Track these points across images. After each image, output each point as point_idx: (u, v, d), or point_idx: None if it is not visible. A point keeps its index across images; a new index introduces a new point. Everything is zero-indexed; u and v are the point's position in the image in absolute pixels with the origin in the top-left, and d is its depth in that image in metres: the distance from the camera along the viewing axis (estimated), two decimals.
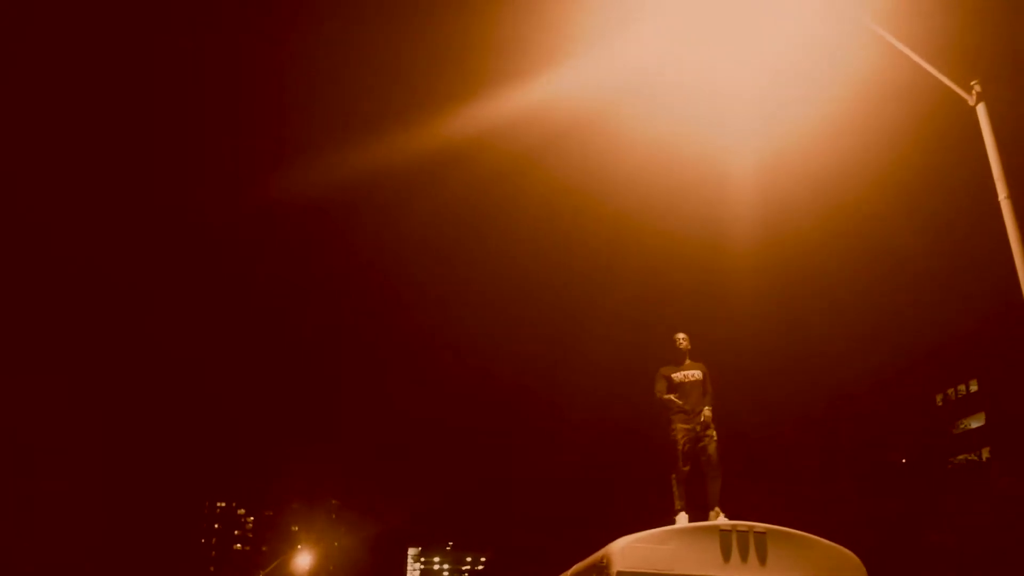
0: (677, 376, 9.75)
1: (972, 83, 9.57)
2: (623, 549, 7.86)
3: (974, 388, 47.61)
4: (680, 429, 9.55)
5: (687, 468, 9.48)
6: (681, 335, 9.97)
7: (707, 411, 9.58)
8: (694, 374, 9.76)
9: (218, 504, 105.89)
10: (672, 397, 9.66)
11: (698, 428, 9.47)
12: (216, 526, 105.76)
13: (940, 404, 48.04)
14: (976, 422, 42.87)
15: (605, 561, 8.08)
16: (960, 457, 35.02)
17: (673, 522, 9.04)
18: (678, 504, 9.32)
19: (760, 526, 8.20)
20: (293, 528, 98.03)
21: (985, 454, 37.82)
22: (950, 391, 48.67)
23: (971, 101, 9.52)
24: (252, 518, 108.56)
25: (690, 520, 9.02)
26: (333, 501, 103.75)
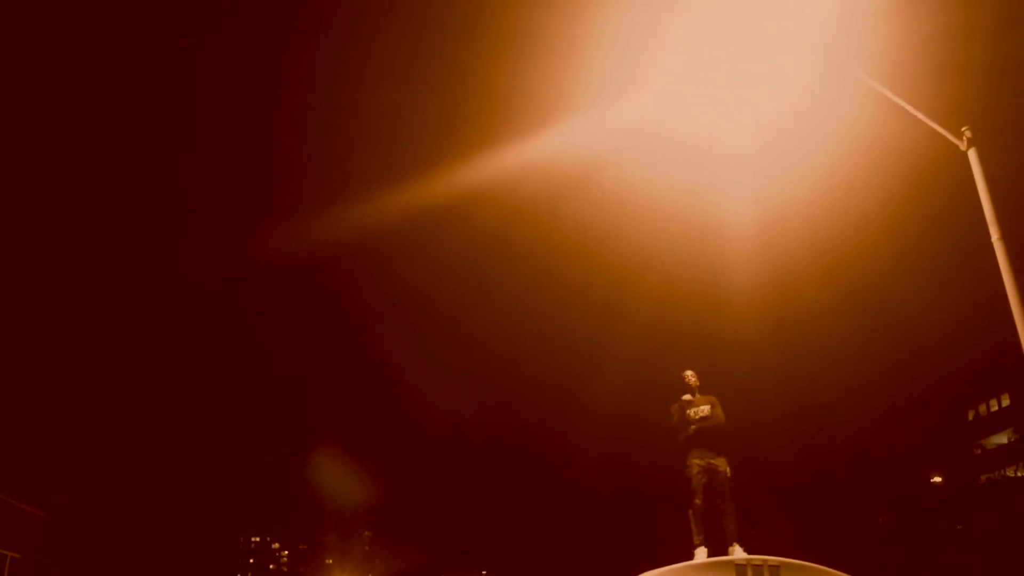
0: (688, 412, 10.21)
1: (963, 129, 10.08)
2: None
3: (1006, 403, 47.19)
4: (694, 464, 10.01)
5: (702, 503, 9.90)
6: (689, 372, 10.41)
7: (709, 409, 10.05)
8: (704, 409, 10.20)
9: (252, 539, 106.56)
10: (687, 413, 10.10)
11: (711, 462, 9.93)
12: (251, 561, 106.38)
13: (971, 419, 47.68)
14: (1004, 438, 42.56)
15: None
16: (984, 477, 34.85)
17: (692, 556, 9.49)
18: (696, 539, 9.76)
19: (774, 559, 8.63)
20: (327, 561, 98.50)
21: (1011, 472, 37.51)
22: (982, 407, 48.30)
23: (963, 146, 10.02)
24: (286, 552, 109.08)
25: (709, 554, 9.47)
26: (366, 533, 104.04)
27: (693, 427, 10.02)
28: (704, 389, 10.29)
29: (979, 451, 40.48)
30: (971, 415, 47.88)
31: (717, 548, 9.56)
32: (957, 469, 36.17)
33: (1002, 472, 35.33)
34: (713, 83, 10.32)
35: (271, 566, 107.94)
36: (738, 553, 9.18)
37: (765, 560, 8.61)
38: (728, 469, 9.98)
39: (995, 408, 47.55)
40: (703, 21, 10.35)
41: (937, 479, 36.01)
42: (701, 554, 9.53)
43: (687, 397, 10.19)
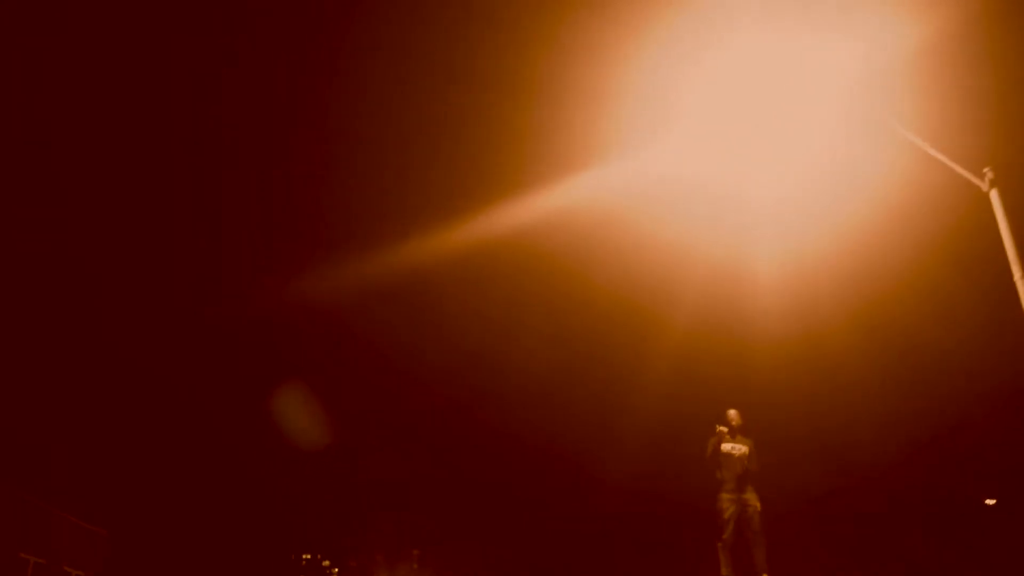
0: (726, 447, 10.50)
1: (984, 170, 10.32)
2: None
3: None
4: (724, 499, 10.32)
5: (731, 536, 10.19)
6: (733, 412, 10.71)
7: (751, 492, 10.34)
8: (741, 448, 10.51)
9: (304, 556, 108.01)
10: (716, 440, 10.41)
11: (743, 497, 10.23)
12: None
13: None
14: None
15: None
16: None
17: None
18: (724, 570, 10.08)
19: None
20: None
21: None
22: None
23: (984, 187, 10.26)
24: (336, 569, 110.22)
25: None
26: (415, 551, 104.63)
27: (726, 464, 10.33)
28: (743, 430, 10.56)
29: None
30: None
31: None
32: (1014, 490, 35.28)
33: None
34: (741, 132, 10.71)
35: None
36: None
37: None
38: (759, 504, 10.25)
39: None
40: (732, 72, 10.78)
41: (991, 501, 35.22)
42: None
43: (722, 428, 10.49)
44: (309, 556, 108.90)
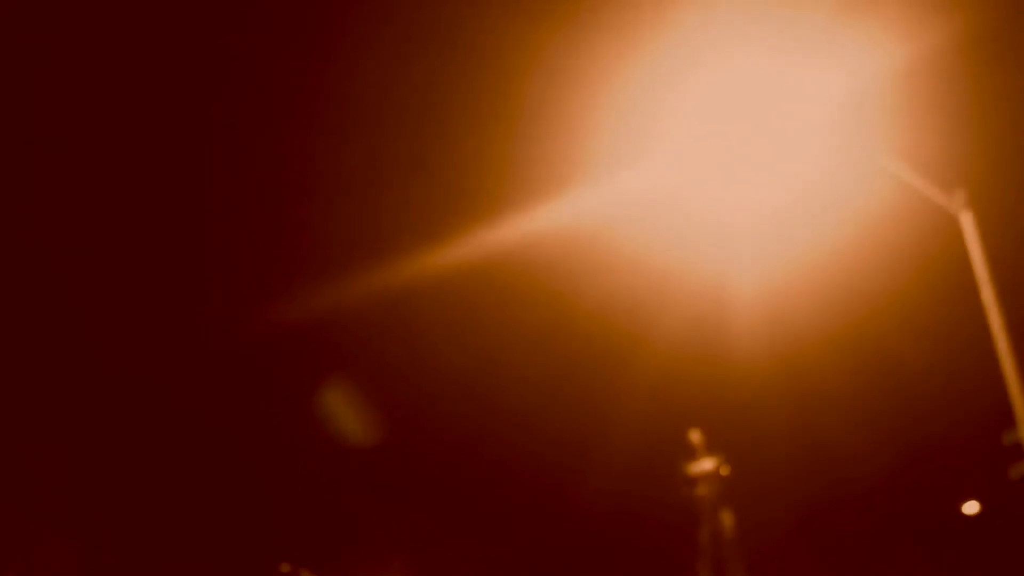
0: (696, 469, 10.76)
1: (956, 192, 10.50)
2: None
3: None
4: (701, 518, 10.49)
5: (709, 551, 10.36)
6: (695, 432, 10.96)
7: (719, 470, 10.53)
8: (706, 467, 10.75)
9: (282, 568, 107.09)
10: (693, 493, 10.65)
11: (715, 515, 10.41)
12: None
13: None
14: None
15: None
16: None
17: None
18: None
19: None
20: None
21: None
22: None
23: (956, 210, 10.44)
24: None
25: None
26: (397, 560, 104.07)
27: (697, 485, 10.56)
28: (712, 449, 10.78)
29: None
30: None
31: None
32: (993, 496, 35.51)
33: None
34: (721, 154, 10.81)
35: None
36: None
37: None
38: (730, 521, 10.42)
39: None
40: (712, 94, 10.89)
41: (973, 510, 35.44)
42: None
43: (693, 456, 10.71)
44: (289, 568, 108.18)
